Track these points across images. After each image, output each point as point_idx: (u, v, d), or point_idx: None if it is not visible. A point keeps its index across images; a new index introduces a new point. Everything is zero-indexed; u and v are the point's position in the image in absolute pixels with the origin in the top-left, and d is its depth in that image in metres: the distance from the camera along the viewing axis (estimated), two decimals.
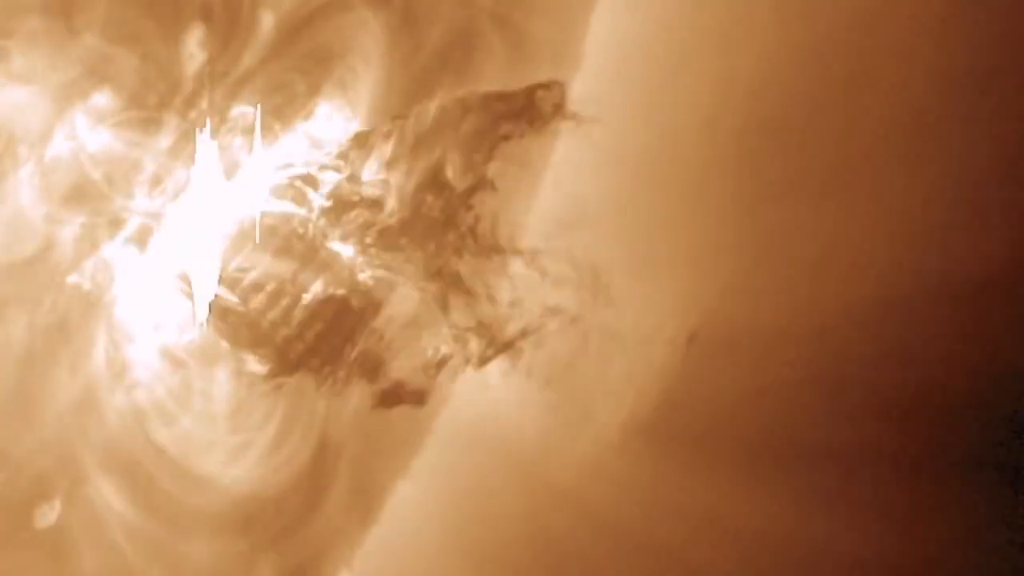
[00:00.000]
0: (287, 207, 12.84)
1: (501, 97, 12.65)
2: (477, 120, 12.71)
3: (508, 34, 12.62)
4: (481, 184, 12.81)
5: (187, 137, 12.14)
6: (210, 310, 12.66)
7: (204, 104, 12.09)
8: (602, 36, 12.51)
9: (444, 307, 12.85)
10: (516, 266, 12.78)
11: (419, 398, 12.81)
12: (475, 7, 12.52)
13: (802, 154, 11.74)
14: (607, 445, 12.06)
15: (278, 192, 12.81)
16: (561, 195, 12.65)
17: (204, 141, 12.21)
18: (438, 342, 12.93)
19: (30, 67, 11.21)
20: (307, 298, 12.80)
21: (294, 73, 12.44)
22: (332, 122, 12.68)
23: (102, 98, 11.64)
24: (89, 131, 11.75)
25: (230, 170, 12.59)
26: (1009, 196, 11.41)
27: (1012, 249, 11.23)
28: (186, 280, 12.68)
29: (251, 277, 12.83)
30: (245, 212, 12.75)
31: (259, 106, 12.39)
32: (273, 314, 12.82)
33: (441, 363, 12.90)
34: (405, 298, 12.87)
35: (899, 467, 11.12)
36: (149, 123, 11.92)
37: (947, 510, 10.95)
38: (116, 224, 12.18)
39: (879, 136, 11.59)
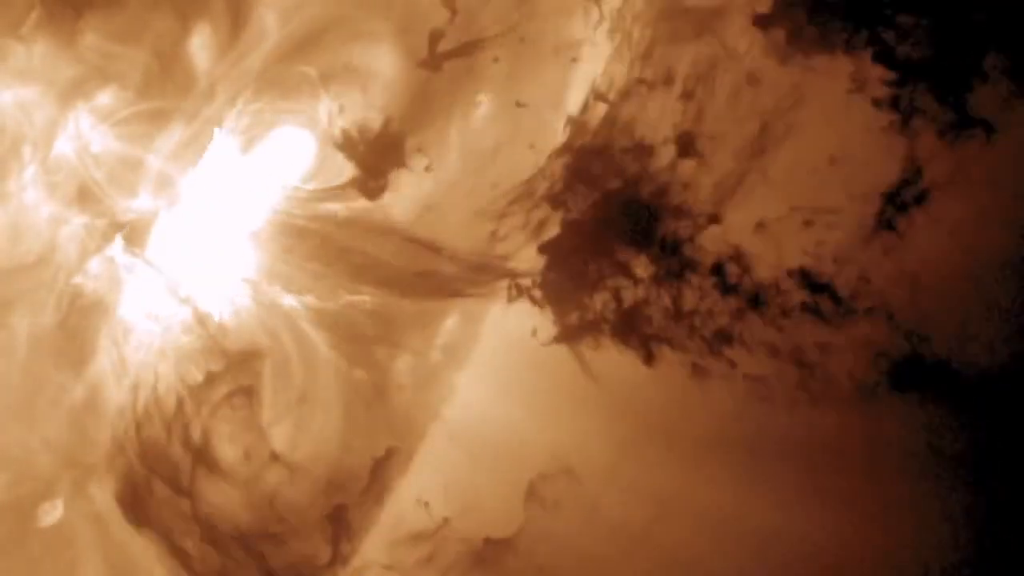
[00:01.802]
0: (290, 209, 12.88)
1: None
2: None
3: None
4: None
5: (192, 137, 12.17)
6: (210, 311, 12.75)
7: (210, 104, 12.13)
8: None
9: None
10: None
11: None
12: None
13: None
14: (610, 446, 12.08)
15: (282, 195, 12.85)
16: None
17: (209, 141, 12.27)
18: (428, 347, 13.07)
19: (34, 66, 11.24)
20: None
21: (300, 75, 12.48)
22: (337, 125, 12.72)
23: (106, 97, 11.66)
24: (93, 131, 11.77)
25: (235, 171, 12.63)
26: None
27: None
28: (188, 282, 12.74)
29: (254, 278, 12.87)
30: (249, 214, 12.80)
31: (262, 109, 12.46)
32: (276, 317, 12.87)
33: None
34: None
35: (900, 467, 11.11)
36: (153, 123, 11.94)
37: (947, 510, 10.93)
38: (120, 224, 12.19)
39: None
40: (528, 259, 12.72)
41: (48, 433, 12.11)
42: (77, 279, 12.17)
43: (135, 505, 12.31)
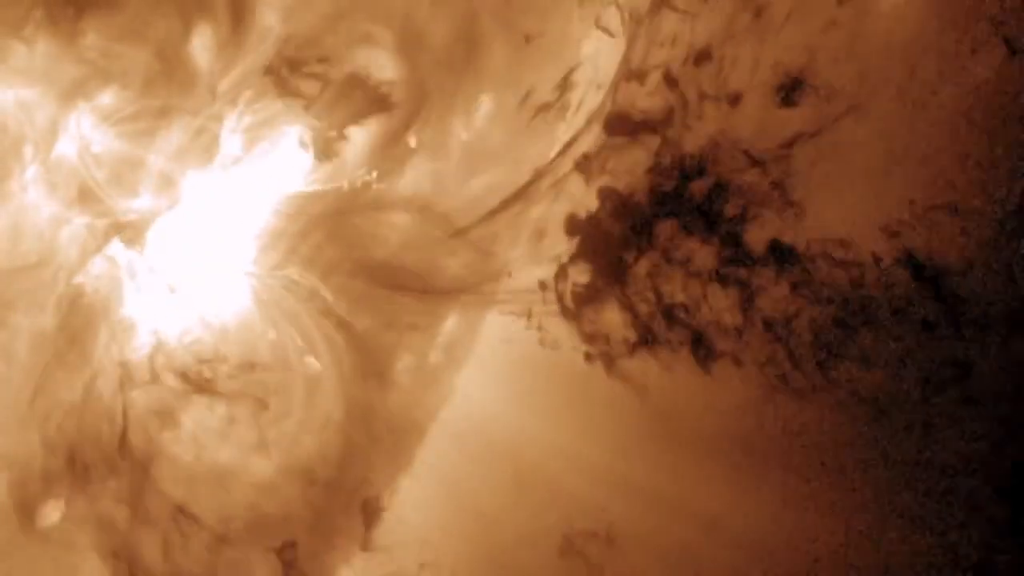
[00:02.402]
0: (291, 209, 12.87)
1: None
2: None
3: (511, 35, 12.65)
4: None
5: (193, 137, 12.16)
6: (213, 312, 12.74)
7: (211, 104, 12.13)
8: None
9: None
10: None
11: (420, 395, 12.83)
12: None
13: None
14: (611, 448, 12.04)
15: (283, 195, 12.85)
16: None
17: (210, 141, 12.26)
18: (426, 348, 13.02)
19: (35, 66, 11.24)
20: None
21: (302, 74, 12.47)
22: (338, 125, 12.71)
23: (108, 97, 11.66)
24: (94, 131, 11.78)
25: (236, 171, 12.63)
26: None
27: None
28: (189, 282, 12.74)
29: (255, 278, 12.85)
30: (251, 214, 12.80)
31: (264, 108, 12.46)
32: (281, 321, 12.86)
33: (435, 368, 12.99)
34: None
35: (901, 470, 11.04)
36: (155, 123, 11.93)
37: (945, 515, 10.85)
38: (121, 225, 12.19)
39: None
40: (532, 260, 12.69)
41: (48, 433, 12.10)
42: (78, 279, 12.18)
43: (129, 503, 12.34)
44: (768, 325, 10.23)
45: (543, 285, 12.34)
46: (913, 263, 9.44)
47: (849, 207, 9.75)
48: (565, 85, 12.47)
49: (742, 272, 10.23)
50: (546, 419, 12.19)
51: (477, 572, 12.17)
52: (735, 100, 10.10)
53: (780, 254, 10.05)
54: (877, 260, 9.60)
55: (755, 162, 10.00)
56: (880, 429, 10.05)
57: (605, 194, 10.96)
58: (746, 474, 11.22)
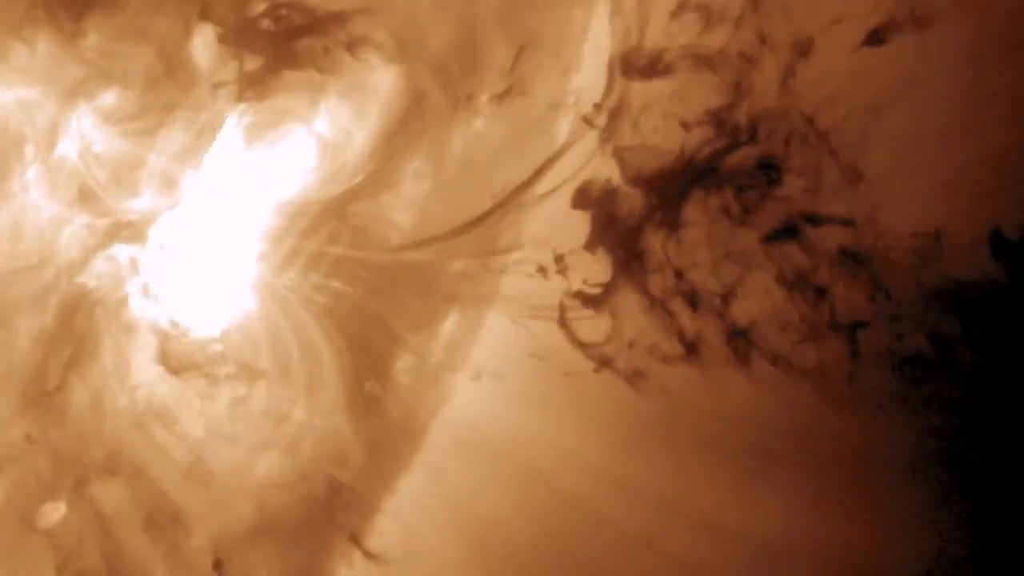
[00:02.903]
0: (293, 210, 12.87)
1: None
2: None
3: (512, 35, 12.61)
4: None
5: (195, 137, 12.18)
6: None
7: (212, 104, 12.15)
8: None
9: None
10: None
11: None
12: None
13: None
14: (614, 448, 11.97)
15: (285, 195, 12.84)
16: None
17: (212, 141, 12.28)
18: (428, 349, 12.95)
19: (36, 66, 11.29)
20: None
21: (304, 74, 12.47)
22: (340, 126, 12.70)
23: (109, 97, 11.70)
24: (95, 131, 11.81)
25: (238, 171, 12.63)
26: None
27: None
28: (190, 282, 12.75)
29: (257, 278, 12.86)
30: (253, 214, 12.79)
31: (265, 108, 12.46)
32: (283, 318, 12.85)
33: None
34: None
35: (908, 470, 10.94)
36: (156, 122, 11.96)
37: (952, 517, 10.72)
38: (123, 225, 12.22)
39: None
40: (535, 257, 12.60)
41: (49, 434, 12.13)
42: (79, 279, 12.20)
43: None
44: (830, 325, 8.88)
45: (547, 279, 12.20)
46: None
47: (939, 192, 8.09)
48: (569, 72, 12.42)
49: (798, 261, 8.83)
50: (548, 419, 12.14)
51: (477, 573, 12.12)
52: (805, 45, 8.34)
53: (846, 244, 8.48)
54: (969, 257, 7.93)
55: (820, 128, 8.32)
56: (956, 447, 8.92)
57: (626, 160, 9.53)
58: (756, 476, 11.16)
